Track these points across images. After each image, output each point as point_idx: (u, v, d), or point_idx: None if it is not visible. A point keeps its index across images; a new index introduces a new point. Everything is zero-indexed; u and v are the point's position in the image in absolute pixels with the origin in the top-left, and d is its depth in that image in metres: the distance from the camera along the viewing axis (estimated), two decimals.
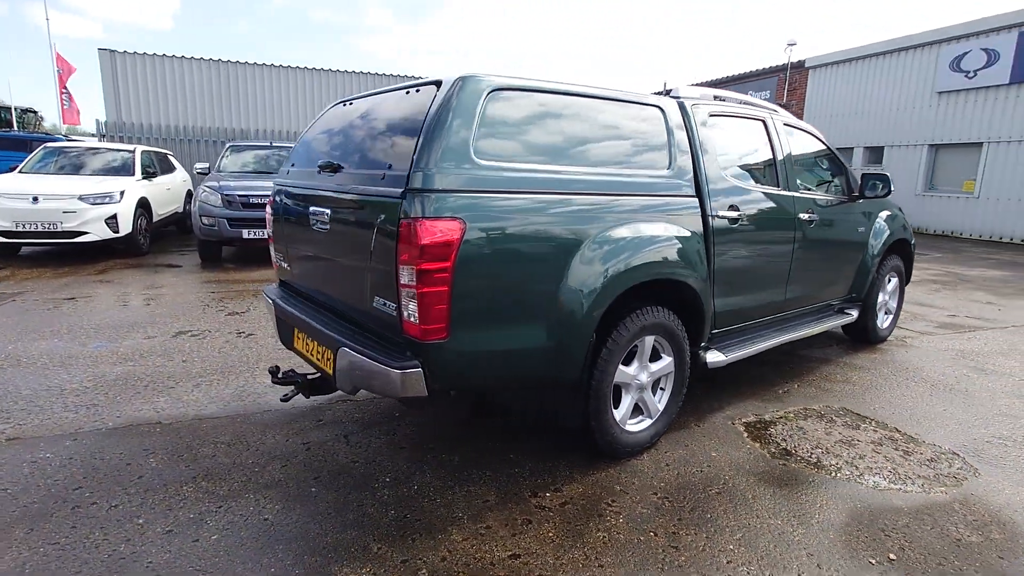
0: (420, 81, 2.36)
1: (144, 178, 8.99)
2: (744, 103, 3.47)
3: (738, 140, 3.33)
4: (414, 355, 2.06)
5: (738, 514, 2.33)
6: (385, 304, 2.13)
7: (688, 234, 2.77)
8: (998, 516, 2.36)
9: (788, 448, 2.91)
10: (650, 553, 2.08)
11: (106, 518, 2.22)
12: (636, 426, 2.76)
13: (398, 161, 2.11)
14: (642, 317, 2.59)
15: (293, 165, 3.00)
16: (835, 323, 4.10)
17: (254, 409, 3.25)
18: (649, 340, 2.69)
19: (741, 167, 3.30)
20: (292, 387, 2.82)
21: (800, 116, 18.03)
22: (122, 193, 8.13)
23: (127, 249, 8.42)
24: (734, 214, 3.04)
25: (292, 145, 9.68)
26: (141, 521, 2.21)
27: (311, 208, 2.60)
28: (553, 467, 2.67)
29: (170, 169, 10.64)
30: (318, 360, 2.54)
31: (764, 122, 3.52)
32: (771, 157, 3.50)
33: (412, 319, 2.01)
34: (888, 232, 4.44)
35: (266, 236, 7.64)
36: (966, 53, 13.23)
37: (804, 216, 3.58)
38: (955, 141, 13.76)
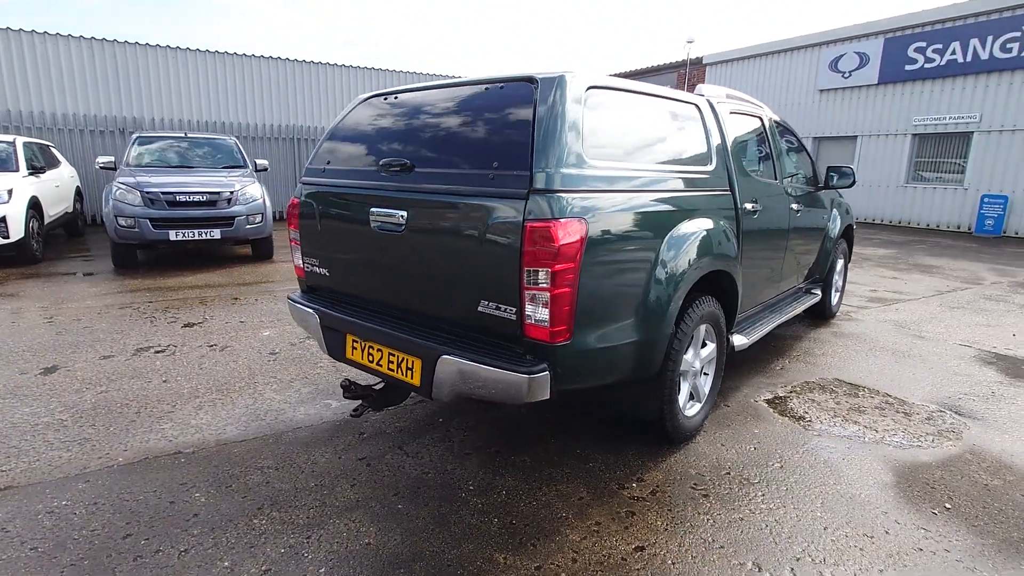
0: (504, 77, 2.28)
1: (31, 174, 7.82)
2: (747, 101, 3.71)
3: (750, 137, 3.56)
4: (538, 358, 2.02)
5: (808, 484, 2.54)
6: (498, 308, 2.06)
7: (729, 227, 2.94)
8: (1003, 461, 2.77)
9: (813, 419, 3.19)
10: (756, 530, 2.21)
11: (183, 566, 1.97)
12: (691, 411, 2.89)
13: (505, 161, 2.04)
14: (700, 307, 2.71)
15: (328, 163, 2.78)
16: (808, 303, 4.52)
17: (281, 427, 3.00)
18: (702, 328, 2.82)
19: (755, 162, 3.53)
20: (360, 401, 2.65)
21: None
22: (10, 192, 7.03)
23: (18, 257, 7.31)
24: (754, 206, 3.26)
25: (216, 137, 8.87)
26: (227, 564, 1.99)
27: (374, 209, 2.44)
28: (622, 459, 2.73)
29: (55, 163, 9.33)
30: (393, 370, 2.41)
31: (761, 119, 3.78)
32: (770, 152, 3.77)
33: (538, 321, 1.97)
34: (842, 218, 4.95)
35: (216, 237, 7.05)
36: (842, 55, 14.88)
37: (794, 206, 3.90)
38: (834, 134, 15.47)
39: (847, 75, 14.79)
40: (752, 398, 3.47)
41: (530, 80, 2.16)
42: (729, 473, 2.61)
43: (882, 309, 5.79)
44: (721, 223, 2.88)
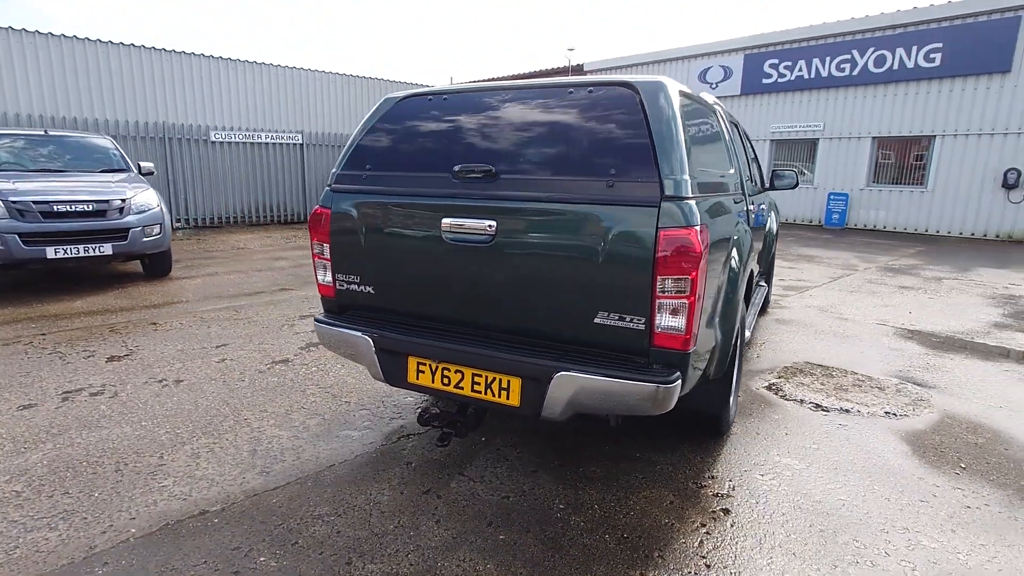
0: (595, 80, 2.20)
1: None
2: (718, 104, 3.96)
3: (735, 140, 3.80)
4: (666, 367, 1.99)
5: (849, 461, 2.77)
6: (622, 318, 2.00)
7: (748, 225, 3.12)
8: (974, 422, 3.25)
9: (813, 401, 3.50)
10: (838, 511, 2.37)
11: None
12: (731, 403, 3.03)
13: (625, 167, 1.99)
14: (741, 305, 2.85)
15: (368, 169, 2.50)
16: (763, 294, 4.95)
17: (310, 468, 2.65)
18: None
19: (739, 164, 3.78)
20: (440, 426, 2.44)
21: None
22: None
23: None
24: (752, 207, 3.50)
25: (87, 135, 7.52)
26: None
27: (448, 220, 2.24)
28: (683, 458, 2.79)
29: None
30: (479, 392, 2.24)
31: (736, 124, 4.06)
32: (743, 154, 4.07)
33: (670, 329, 1.94)
34: (777, 216, 5.48)
35: (107, 253, 5.89)
36: (709, 68, 16.46)
37: (753, 206, 4.25)
38: None
39: (714, 86, 16.39)
40: (753, 386, 3.73)
41: (627, 86, 2.12)
42: (780, 460, 2.78)
43: (799, 296, 6.50)
44: (747, 221, 3.05)
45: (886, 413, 3.33)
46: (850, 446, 2.92)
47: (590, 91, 2.19)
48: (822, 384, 3.77)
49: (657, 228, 1.90)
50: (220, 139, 12.23)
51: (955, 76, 12.28)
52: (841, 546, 2.14)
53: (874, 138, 13.77)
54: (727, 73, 16.06)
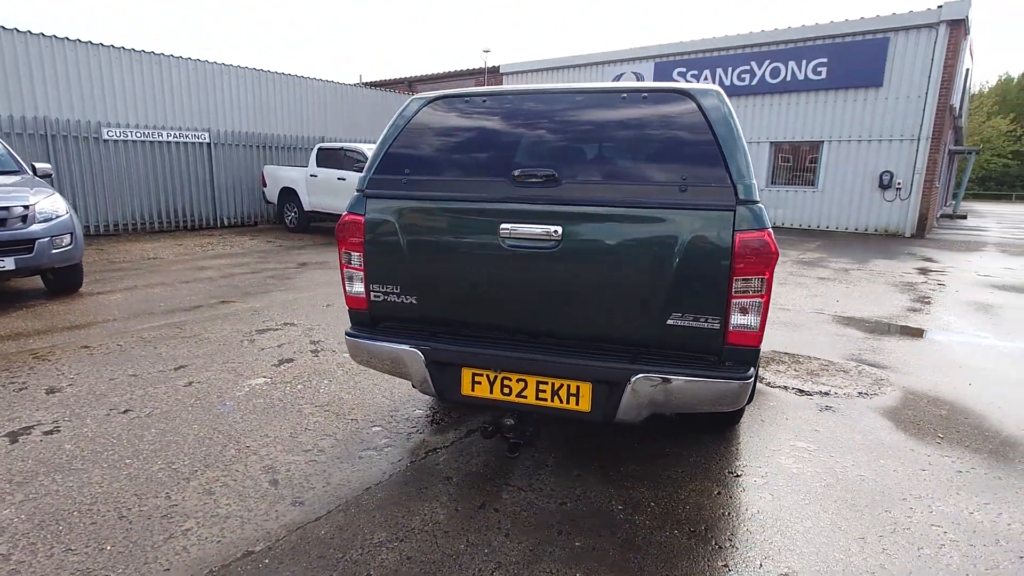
0: (648, 87, 2.24)
1: None
2: None
3: None
4: (739, 363, 2.07)
5: (849, 440, 3.04)
6: (696, 319, 2.05)
7: None
8: (933, 396, 3.67)
9: (795, 387, 3.78)
10: (857, 486, 2.60)
11: None
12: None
13: (697, 173, 2.04)
14: None
15: (408, 173, 2.37)
16: None
17: (346, 492, 2.48)
18: None
19: None
20: (513, 438, 2.37)
21: None
22: None
23: None
24: None
25: None
26: None
27: (507, 226, 2.19)
28: (708, 449, 2.91)
29: None
30: (544, 400, 2.21)
31: None
32: None
33: (744, 327, 2.03)
34: None
35: (8, 268, 5.04)
36: (622, 74, 17.21)
37: None
38: None
39: None
40: None
41: (683, 92, 2.18)
42: (795, 444, 2.99)
43: None
44: None
45: (859, 394, 3.68)
46: (844, 427, 3.20)
47: (644, 97, 2.23)
48: (795, 371, 4.09)
49: (734, 231, 1.98)
50: (114, 137, 11.01)
51: (839, 88, 13.76)
52: (876, 516, 2.35)
53: (772, 143, 15.09)
54: (639, 80, 16.87)
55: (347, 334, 2.48)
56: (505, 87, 2.49)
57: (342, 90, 15.45)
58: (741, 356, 2.09)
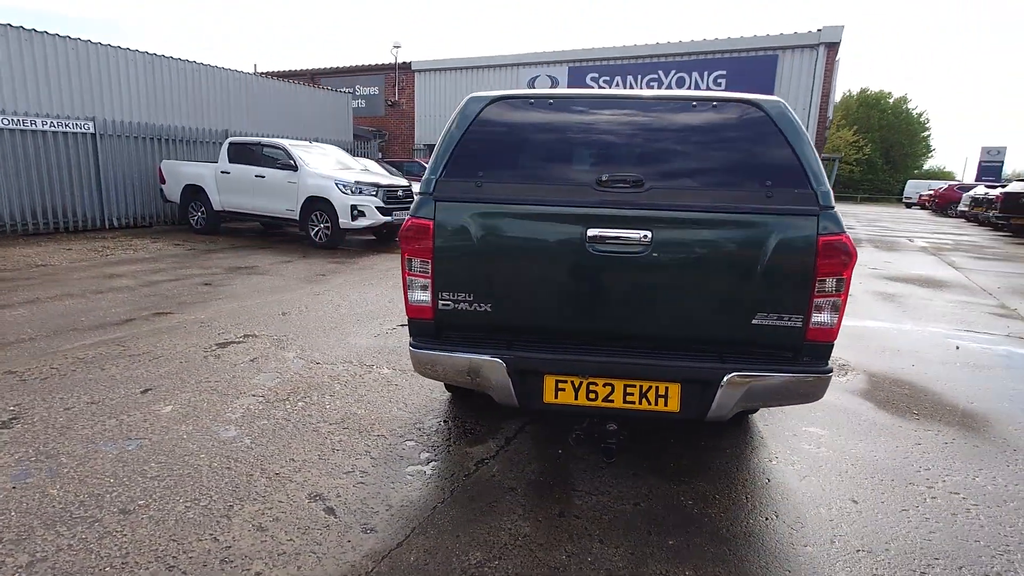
0: (717, 96, 2.33)
1: None
2: None
3: None
4: (815, 358, 2.22)
5: (846, 419, 3.35)
6: (780, 318, 2.17)
7: None
8: (893, 378, 4.15)
9: None
10: (858, 455, 2.89)
11: None
12: None
13: (780, 180, 2.15)
14: None
15: (482, 175, 2.28)
16: None
17: (412, 513, 2.34)
18: None
19: None
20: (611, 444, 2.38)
21: (412, 114, 20.08)
22: None
23: None
24: None
25: None
26: None
27: (595, 231, 2.18)
28: (733, 439, 3.09)
29: None
30: (632, 402, 2.24)
31: None
32: None
33: (823, 324, 2.18)
34: None
35: None
36: (537, 76, 17.56)
37: None
38: None
39: None
40: None
41: (752, 103, 2.29)
42: (806, 429, 3.24)
43: None
44: None
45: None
46: (835, 410, 3.53)
47: (714, 106, 2.32)
48: None
49: (818, 235, 2.12)
50: None
51: None
52: (905, 490, 2.63)
53: None
54: (554, 83, 17.31)
55: (412, 346, 2.34)
56: (572, 91, 2.47)
57: (246, 80, 14.34)
58: (819, 351, 2.24)
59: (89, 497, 2.38)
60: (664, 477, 2.68)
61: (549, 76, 17.37)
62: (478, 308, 2.32)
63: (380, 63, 20.60)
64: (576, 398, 2.26)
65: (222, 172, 10.60)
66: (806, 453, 2.96)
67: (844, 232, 2.17)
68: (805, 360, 2.25)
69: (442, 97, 19.39)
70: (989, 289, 7.70)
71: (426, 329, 2.39)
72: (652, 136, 2.31)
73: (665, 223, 2.19)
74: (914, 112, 54.01)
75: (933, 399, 3.76)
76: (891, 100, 53.80)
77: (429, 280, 2.31)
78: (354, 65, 21.11)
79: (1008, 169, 38.98)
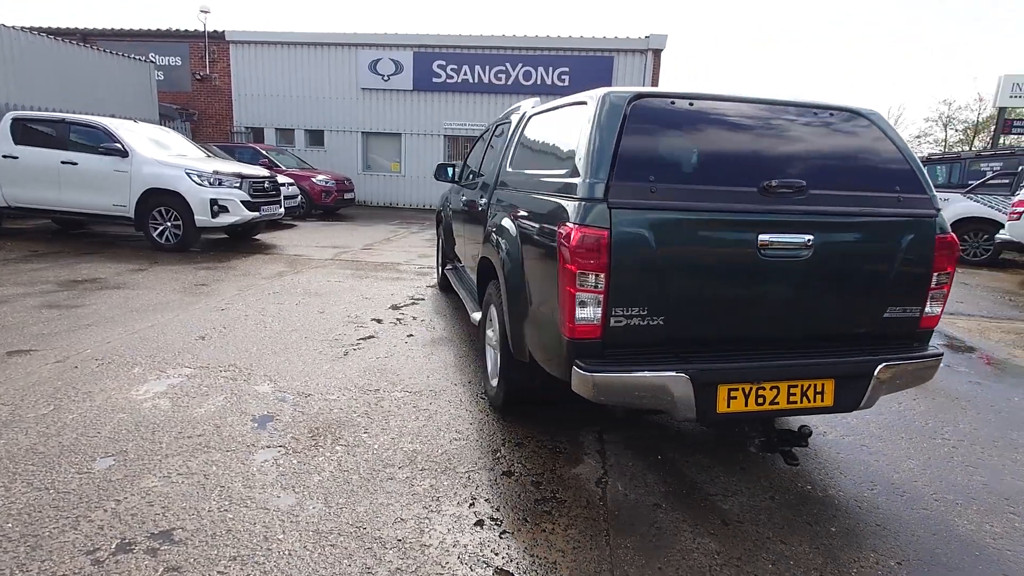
0: (823, 104, 2.45)
1: None
2: None
3: None
4: (922, 344, 2.51)
5: None
6: (904, 310, 2.41)
7: None
8: None
9: None
10: (898, 417, 3.39)
11: None
12: None
13: (905, 185, 2.37)
14: None
15: (652, 179, 2.09)
16: None
17: (598, 555, 2.11)
18: None
19: None
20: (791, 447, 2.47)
21: (228, 91, 17.66)
22: None
23: None
24: None
25: None
26: None
27: (766, 236, 2.18)
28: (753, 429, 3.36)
29: None
30: (795, 402, 2.31)
31: None
32: None
33: (933, 313, 2.47)
34: None
35: None
36: (379, 60, 16.64)
37: None
38: (381, 131, 17.29)
39: (387, 78, 16.70)
40: None
41: (856, 112, 2.48)
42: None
43: None
44: None
45: None
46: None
47: (831, 115, 2.46)
48: None
49: (935, 234, 2.39)
50: None
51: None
52: (935, 443, 3.13)
53: None
54: (398, 67, 16.59)
55: (584, 370, 2.08)
56: (705, 91, 2.39)
57: (12, 36, 11.12)
58: (927, 337, 2.54)
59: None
60: (764, 468, 2.81)
61: (393, 60, 16.59)
62: (651, 323, 2.15)
63: (182, 28, 17.56)
64: (746, 405, 2.25)
65: (5, 157, 8.18)
66: (833, 442, 3.34)
67: (949, 232, 2.48)
68: (916, 346, 2.53)
69: (268, 74, 17.32)
70: None
71: (591, 350, 2.15)
72: (798, 142, 2.37)
73: (825, 227, 2.27)
74: None
75: None
76: None
77: (602, 296, 2.08)
78: (146, 29, 17.66)
79: None
